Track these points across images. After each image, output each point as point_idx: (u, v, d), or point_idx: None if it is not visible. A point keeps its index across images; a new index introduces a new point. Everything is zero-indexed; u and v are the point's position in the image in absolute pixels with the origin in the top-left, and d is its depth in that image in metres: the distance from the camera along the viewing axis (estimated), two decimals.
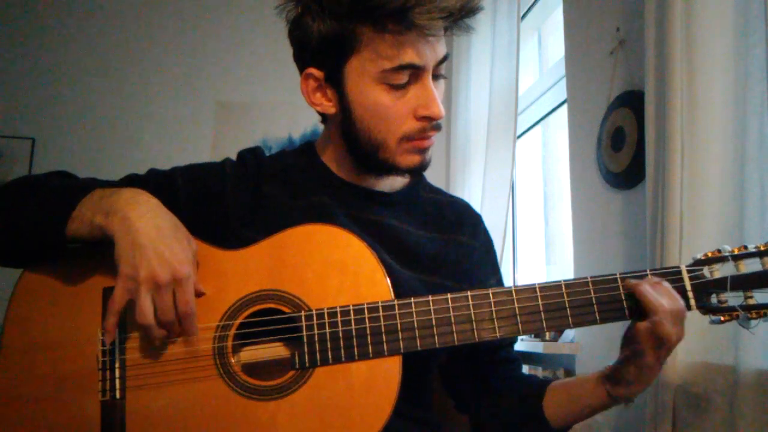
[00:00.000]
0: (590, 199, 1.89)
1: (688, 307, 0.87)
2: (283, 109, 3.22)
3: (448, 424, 1.18)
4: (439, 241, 1.06)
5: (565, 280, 0.89)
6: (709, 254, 0.88)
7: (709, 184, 1.22)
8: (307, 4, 0.95)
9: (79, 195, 0.88)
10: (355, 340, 0.86)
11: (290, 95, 3.00)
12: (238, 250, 0.92)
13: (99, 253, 0.87)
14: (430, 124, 0.96)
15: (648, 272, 0.88)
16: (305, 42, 0.97)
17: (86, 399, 0.86)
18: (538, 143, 2.89)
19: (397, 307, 0.87)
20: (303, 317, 0.87)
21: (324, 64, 0.97)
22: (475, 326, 0.88)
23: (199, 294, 0.87)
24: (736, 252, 0.87)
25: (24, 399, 0.86)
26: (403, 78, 0.93)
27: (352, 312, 0.87)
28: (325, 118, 1.05)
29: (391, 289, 0.89)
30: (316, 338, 0.87)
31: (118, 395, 0.86)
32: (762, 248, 0.86)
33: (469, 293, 0.89)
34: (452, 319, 0.88)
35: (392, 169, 0.99)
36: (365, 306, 0.87)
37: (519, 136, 2.66)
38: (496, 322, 0.88)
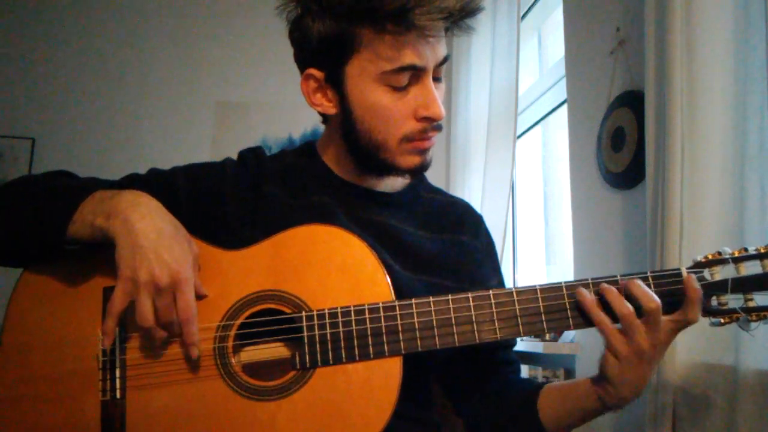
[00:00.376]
0: (590, 199, 1.89)
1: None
2: (283, 109, 3.22)
3: (448, 425, 1.18)
4: (440, 242, 1.06)
5: (566, 282, 0.89)
6: (710, 256, 0.88)
7: (709, 184, 1.22)
8: (307, 5, 0.95)
9: (80, 196, 0.87)
10: (355, 340, 0.86)
11: (290, 95, 3.00)
12: (238, 250, 0.92)
13: (99, 252, 0.87)
14: (431, 124, 0.96)
15: (648, 274, 0.88)
16: (305, 43, 0.97)
17: (86, 399, 0.86)
18: (538, 143, 2.89)
19: (398, 307, 0.87)
20: (304, 318, 0.87)
21: (324, 65, 0.97)
22: (475, 327, 0.88)
23: (200, 296, 0.87)
24: (736, 254, 0.87)
25: (24, 399, 0.86)
26: (404, 79, 0.93)
27: (352, 312, 0.87)
28: (325, 118, 1.05)
29: (392, 290, 0.89)
30: (317, 339, 0.86)
31: (118, 395, 0.86)
32: (762, 251, 0.86)
33: (470, 294, 0.89)
34: (453, 320, 0.88)
35: (393, 170, 0.99)
36: (366, 306, 0.87)
37: (519, 136, 2.66)
38: (496, 323, 0.88)
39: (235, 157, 1.08)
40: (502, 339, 0.88)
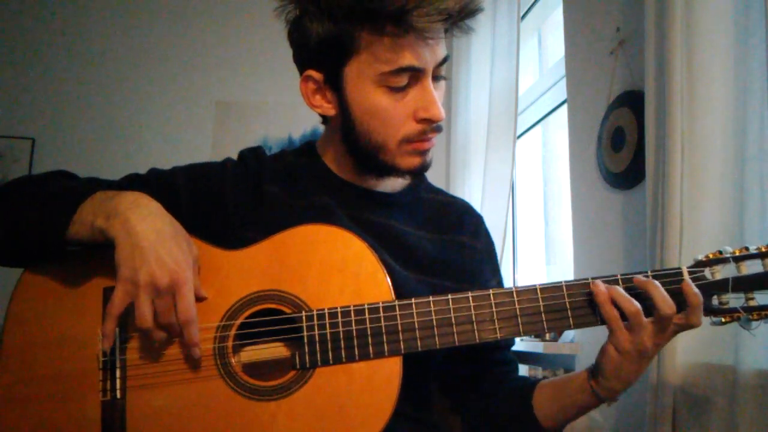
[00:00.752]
0: (590, 199, 1.89)
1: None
2: (283, 109, 3.22)
3: (447, 424, 1.18)
4: (440, 242, 1.06)
5: (566, 281, 0.89)
6: (710, 255, 0.88)
7: (709, 184, 1.22)
8: (306, 7, 0.94)
9: (81, 198, 0.87)
10: (355, 340, 0.86)
11: (290, 95, 3.00)
12: (238, 250, 0.92)
13: (99, 253, 0.87)
14: (430, 126, 0.95)
15: (649, 273, 0.88)
16: (304, 44, 0.96)
17: (87, 399, 0.85)
18: (538, 143, 2.89)
19: (397, 307, 0.87)
20: (304, 317, 0.87)
21: (323, 66, 0.96)
22: (475, 327, 0.88)
23: (199, 299, 0.87)
24: (737, 253, 0.87)
25: (24, 399, 0.86)
26: (403, 80, 0.92)
27: (352, 312, 0.87)
28: (325, 119, 1.05)
29: (392, 290, 0.89)
30: (317, 338, 0.87)
31: (118, 395, 0.86)
32: (763, 250, 0.86)
33: (470, 294, 0.89)
34: (453, 319, 0.88)
35: (393, 171, 0.99)
36: (366, 306, 0.87)
37: (519, 136, 2.66)
38: (496, 323, 0.88)
39: (235, 157, 1.08)
40: (502, 339, 0.89)
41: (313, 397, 0.85)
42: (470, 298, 0.88)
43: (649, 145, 1.37)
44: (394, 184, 1.07)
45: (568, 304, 0.88)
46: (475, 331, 0.88)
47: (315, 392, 0.85)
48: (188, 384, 0.86)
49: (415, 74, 0.93)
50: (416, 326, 0.87)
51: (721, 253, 0.88)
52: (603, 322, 0.88)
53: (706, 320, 0.88)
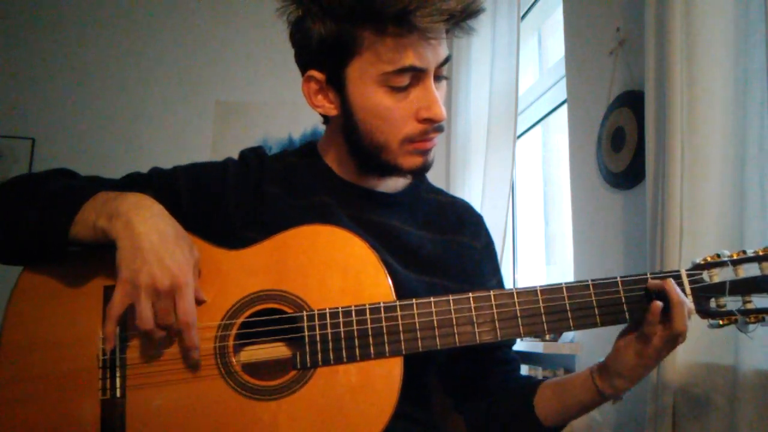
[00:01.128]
0: (590, 199, 1.89)
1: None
2: (283, 109, 3.22)
3: (448, 425, 1.18)
4: (441, 242, 1.06)
5: (566, 283, 0.89)
6: (709, 258, 0.89)
7: (709, 184, 1.22)
8: (308, 7, 0.94)
9: (83, 197, 0.87)
10: (356, 340, 0.86)
11: (290, 95, 3.02)
12: (239, 249, 0.92)
13: (99, 251, 0.87)
14: (432, 126, 0.95)
15: (648, 275, 0.88)
16: (306, 44, 0.96)
17: (86, 398, 0.85)
18: (538, 143, 2.89)
19: (398, 308, 0.88)
20: (305, 317, 0.87)
21: (325, 67, 0.96)
22: (476, 328, 0.88)
23: (199, 302, 0.87)
24: (735, 257, 0.87)
25: (24, 397, 0.86)
26: (405, 80, 0.93)
27: (353, 312, 0.87)
28: (327, 119, 1.05)
29: (393, 290, 0.89)
30: (318, 338, 0.87)
31: (118, 394, 0.86)
32: (761, 253, 0.86)
33: (470, 295, 0.89)
34: (454, 320, 0.88)
35: (394, 171, 0.99)
36: (367, 306, 0.87)
37: (519, 137, 2.66)
38: (497, 324, 0.88)
39: (236, 156, 1.08)
40: (502, 339, 0.89)
41: (314, 397, 0.85)
42: (471, 299, 0.88)
43: (649, 145, 1.37)
44: (395, 184, 1.07)
45: (569, 305, 0.88)
46: (476, 332, 0.88)
47: (316, 392, 0.85)
48: (188, 383, 0.86)
49: (417, 74, 0.93)
50: (417, 326, 0.87)
51: (719, 256, 0.88)
52: (602, 324, 0.88)
53: (703, 323, 0.89)
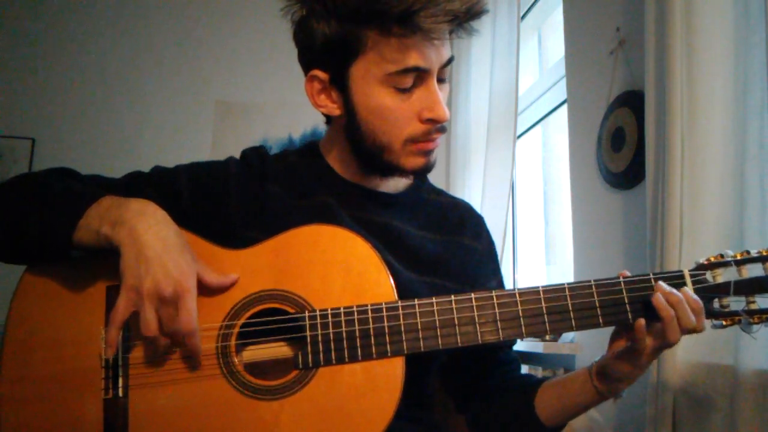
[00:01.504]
0: (590, 199, 1.89)
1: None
2: (283, 109, 3.22)
3: (449, 425, 1.19)
4: (442, 243, 1.06)
5: (568, 284, 0.89)
6: (712, 259, 0.89)
7: (709, 184, 1.22)
8: (312, 7, 0.94)
9: (87, 203, 0.87)
10: (358, 340, 0.86)
11: (290, 95, 3.02)
12: (241, 249, 0.92)
13: (102, 251, 0.87)
14: (435, 126, 0.96)
15: (651, 276, 0.89)
16: (310, 44, 0.96)
17: (89, 397, 0.86)
18: (538, 143, 2.89)
19: (400, 308, 0.88)
20: (307, 317, 0.87)
21: (328, 67, 0.97)
22: (478, 328, 0.88)
23: (221, 286, 0.88)
24: (738, 257, 0.87)
25: (27, 397, 0.86)
26: (408, 81, 0.93)
27: (355, 313, 0.87)
28: (329, 119, 1.05)
29: (395, 290, 0.89)
30: (320, 338, 0.87)
31: (121, 394, 0.86)
32: (764, 253, 0.86)
33: (472, 295, 0.89)
34: (456, 320, 0.88)
35: (397, 171, 0.99)
36: (369, 307, 0.87)
37: (519, 136, 2.66)
38: (499, 324, 0.88)
39: (237, 156, 1.08)
40: (504, 340, 0.89)
41: (316, 396, 0.85)
42: (473, 299, 0.89)
43: (649, 145, 1.38)
44: (396, 185, 1.07)
45: (571, 307, 0.88)
46: (478, 333, 0.88)
47: (317, 392, 0.85)
48: (191, 383, 0.86)
49: (421, 75, 0.93)
50: (419, 327, 0.87)
51: (722, 256, 0.88)
52: (605, 324, 0.88)
53: (707, 323, 0.89)
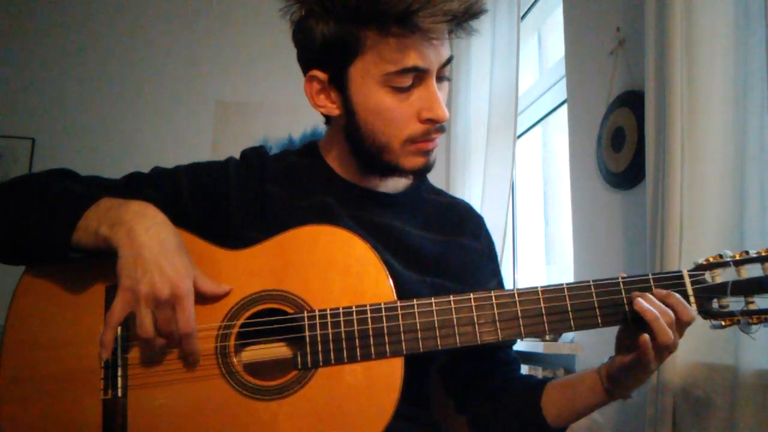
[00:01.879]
0: (590, 199, 1.89)
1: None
2: (283, 109, 3.22)
3: (448, 425, 1.18)
4: (441, 243, 1.06)
5: (567, 284, 0.89)
6: (711, 259, 0.89)
7: (709, 184, 1.22)
8: (311, 7, 0.94)
9: (86, 204, 0.87)
10: (357, 341, 0.86)
11: (290, 95, 3.02)
12: (241, 249, 0.92)
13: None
14: (434, 126, 0.95)
15: (650, 276, 0.88)
16: (309, 44, 0.96)
17: (88, 397, 0.86)
18: (538, 143, 2.89)
19: (399, 308, 0.88)
20: (306, 317, 0.87)
21: (327, 67, 0.96)
22: (477, 328, 0.88)
23: (216, 295, 0.88)
24: (737, 257, 0.87)
25: (26, 397, 0.86)
26: (407, 81, 0.93)
27: (354, 313, 0.87)
28: (328, 119, 1.05)
29: (394, 291, 0.89)
30: (319, 339, 0.87)
31: (120, 393, 0.86)
32: (763, 254, 0.86)
33: (471, 295, 0.89)
34: (455, 321, 0.88)
35: (396, 171, 0.99)
36: (368, 307, 0.87)
37: (519, 136, 2.66)
38: (498, 325, 0.88)
39: (237, 156, 1.08)
40: (503, 340, 0.89)
41: (315, 397, 0.85)
42: (472, 299, 0.89)
43: (649, 145, 1.38)
44: (396, 185, 1.07)
45: (570, 306, 0.88)
46: (477, 333, 0.88)
47: (316, 392, 0.85)
48: (190, 383, 0.86)
49: (420, 75, 0.93)
50: (418, 327, 0.87)
51: (721, 256, 0.88)
52: (603, 324, 0.88)
53: (705, 323, 0.89)
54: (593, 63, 1.89)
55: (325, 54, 0.95)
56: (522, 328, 0.88)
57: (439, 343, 0.87)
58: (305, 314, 0.88)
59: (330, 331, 0.87)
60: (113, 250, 0.83)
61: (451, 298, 0.89)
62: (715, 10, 1.25)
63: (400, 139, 0.95)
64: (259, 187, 1.02)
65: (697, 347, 1.21)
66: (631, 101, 1.65)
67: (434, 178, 1.13)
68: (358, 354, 0.86)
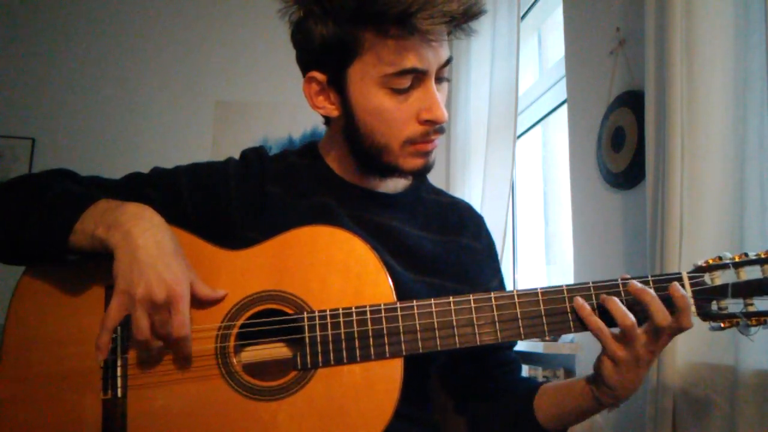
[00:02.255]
0: (590, 199, 1.89)
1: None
2: (283, 109, 3.22)
3: (448, 425, 1.18)
4: (441, 243, 1.06)
5: (567, 285, 0.89)
6: (710, 261, 0.88)
7: (709, 184, 1.22)
8: (309, 8, 0.94)
9: (83, 206, 0.87)
10: (357, 341, 0.86)
11: (290, 95, 3.02)
12: (241, 250, 0.92)
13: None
14: (433, 127, 0.95)
15: (650, 277, 0.88)
16: (307, 45, 0.96)
17: (88, 397, 0.86)
18: (538, 143, 2.89)
19: (399, 309, 0.88)
20: (305, 318, 0.87)
21: (326, 68, 0.96)
22: (476, 329, 0.88)
23: (213, 300, 0.88)
24: (736, 259, 0.87)
25: (25, 397, 0.86)
26: (406, 82, 0.92)
27: (354, 313, 0.87)
28: (328, 120, 1.05)
29: (394, 291, 0.89)
30: (318, 339, 0.87)
31: (119, 394, 0.86)
32: (762, 256, 0.85)
33: (471, 296, 0.89)
34: (454, 321, 0.88)
35: (396, 172, 0.99)
36: (367, 308, 0.87)
37: (519, 136, 2.66)
38: (497, 326, 0.88)
39: (237, 156, 1.08)
40: (502, 341, 0.89)
41: (314, 397, 0.85)
42: (471, 301, 0.88)
43: (649, 145, 1.38)
44: (395, 185, 1.07)
45: (569, 308, 0.88)
46: (476, 334, 0.88)
47: (316, 393, 0.85)
48: (189, 383, 0.86)
49: (419, 76, 0.93)
50: (418, 328, 0.87)
51: (720, 258, 0.88)
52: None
53: (705, 325, 0.88)
54: (593, 63, 1.89)
55: (324, 55, 0.95)
56: (521, 329, 0.88)
57: (438, 344, 0.87)
58: (305, 315, 0.88)
59: (330, 331, 0.87)
60: (109, 252, 0.83)
61: (451, 299, 0.88)
62: (715, 10, 1.25)
63: (399, 141, 0.95)
64: (258, 187, 1.02)
65: (697, 347, 1.21)
66: (631, 101, 1.65)
67: (434, 178, 1.13)
68: (358, 355, 0.86)
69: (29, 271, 0.91)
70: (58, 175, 0.98)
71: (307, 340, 0.87)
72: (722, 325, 0.87)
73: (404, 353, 0.86)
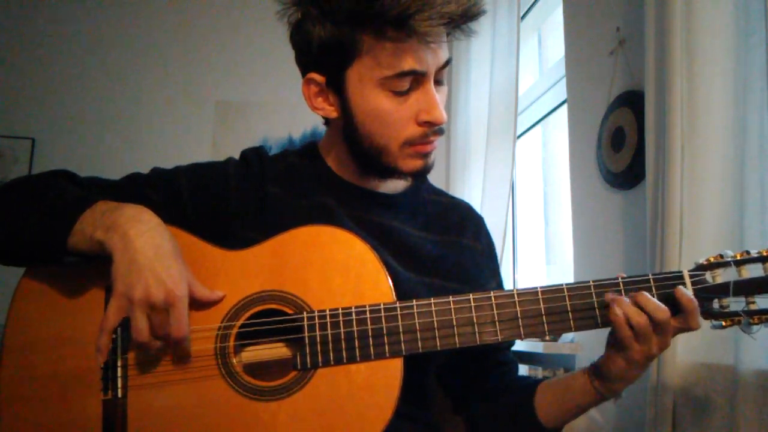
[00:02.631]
0: (590, 199, 1.89)
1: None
2: (283, 109, 3.22)
3: (447, 425, 1.18)
4: (441, 243, 1.06)
5: (567, 284, 0.89)
6: (711, 259, 0.88)
7: (709, 184, 1.22)
8: (308, 10, 0.94)
9: (82, 207, 0.87)
10: (356, 341, 0.86)
11: (290, 95, 3.01)
12: (240, 250, 0.92)
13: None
14: (432, 129, 0.95)
15: (650, 276, 0.88)
16: (306, 47, 0.96)
17: (88, 398, 0.86)
18: (538, 143, 2.89)
19: (399, 309, 0.88)
20: (305, 318, 0.87)
21: (325, 70, 0.96)
22: (476, 329, 0.88)
23: (211, 301, 0.88)
24: (738, 257, 0.87)
25: (26, 398, 0.86)
26: (405, 84, 0.92)
27: (354, 313, 0.87)
28: (327, 120, 1.05)
29: (393, 291, 0.89)
30: (318, 339, 0.87)
31: (120, 394, 0.86)
32: (764, 254, 0.85)
33: (471, 296, 0.89)
34: (454, 321, 0.88)
35: (395, 173, 0.99)
36: (367, 307, 0.87)
37: (519, 136, 2.66)
38: (497, 325, 0.88)
39: (237, 156, 1.08)
40: (503, 341, 0.89)
41: (314, 397, 0.85)
42: (471, 300, 0.88)
43: (649, 145, 1.38)
44: (396, 185, 1.07)
45: (570, 307, 0.88)
46: (476, 333, 0.88)
47: (316, 392, 0.85)
48: (189, 384, 0.86)
49: (417, 78, 0.92)
50: (417, 328, 0.87)
51: (722, 256, 0.88)
52: (604, 325, 0.88)
53: (706, 323, 0.88)
54: (593, 63, 1.89)
55: (322, 57, 0.95)
56: (521, 328, 0.88)
57: (438, 343, 0.87)
58: (305, 315, 0.88)
59: (329, 331, 0.87)
60: (107, 254, 0.83)
61: (451, 298, 0.88)
62: (715, 10, 1.25)
63: (398, 142, 0.95)
64: (258, 187, 1.02)
65: (697, 347, 1.22)
66: (631, 101, 1.65)
67: (434, 178, 1.13)
68: (358, 354, 0.86)
69: (29, 273, 0.91)
70: (58, 177, 0.98)
71: (306, 340, 0.87)
72: (724, 323, 0.87)
73: (404, 353, 0.86)
